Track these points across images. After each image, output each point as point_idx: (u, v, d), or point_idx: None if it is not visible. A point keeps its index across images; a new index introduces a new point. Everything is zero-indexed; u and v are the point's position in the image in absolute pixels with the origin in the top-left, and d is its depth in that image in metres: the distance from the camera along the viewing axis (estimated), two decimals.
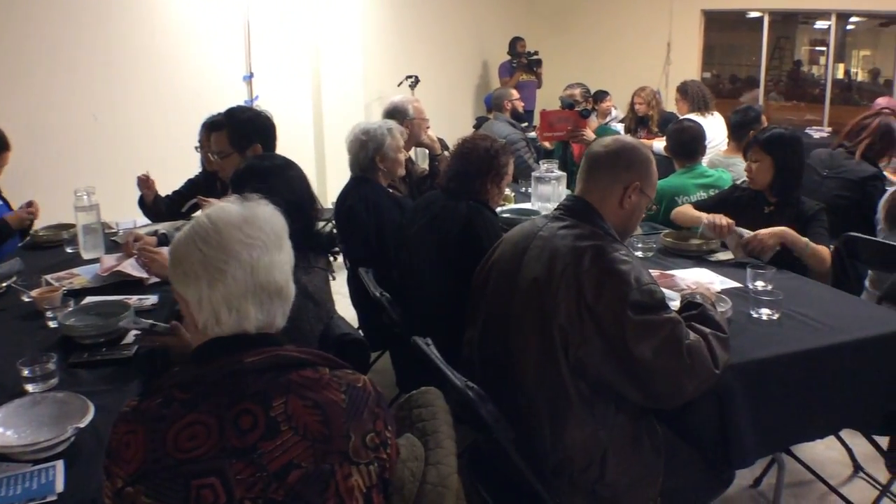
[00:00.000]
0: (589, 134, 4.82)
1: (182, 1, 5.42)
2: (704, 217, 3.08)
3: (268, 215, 1.32)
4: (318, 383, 1.22)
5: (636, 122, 6.50)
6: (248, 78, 6.01)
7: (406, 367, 2.87)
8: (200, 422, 1.14)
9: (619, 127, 6.49)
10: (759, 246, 2.92)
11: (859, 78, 10.88)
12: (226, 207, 1.31)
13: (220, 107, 3.25)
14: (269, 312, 1.28)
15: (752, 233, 2.95)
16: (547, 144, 5.84)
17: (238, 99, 5.64)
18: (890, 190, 3.70)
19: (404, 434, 1.48)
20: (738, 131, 4.43)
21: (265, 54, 6.07)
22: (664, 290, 2.27)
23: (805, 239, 2.89)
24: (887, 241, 3.51)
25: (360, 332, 3.33)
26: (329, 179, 6.35)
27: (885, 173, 4.15)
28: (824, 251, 3.01)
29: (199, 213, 1.39)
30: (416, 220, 2.85)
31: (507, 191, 4.11)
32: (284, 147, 3.17)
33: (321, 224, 3.68)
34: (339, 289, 3.54)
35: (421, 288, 2.76)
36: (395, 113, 3.92)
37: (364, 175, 3.35)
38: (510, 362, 1.96)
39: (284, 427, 1.16)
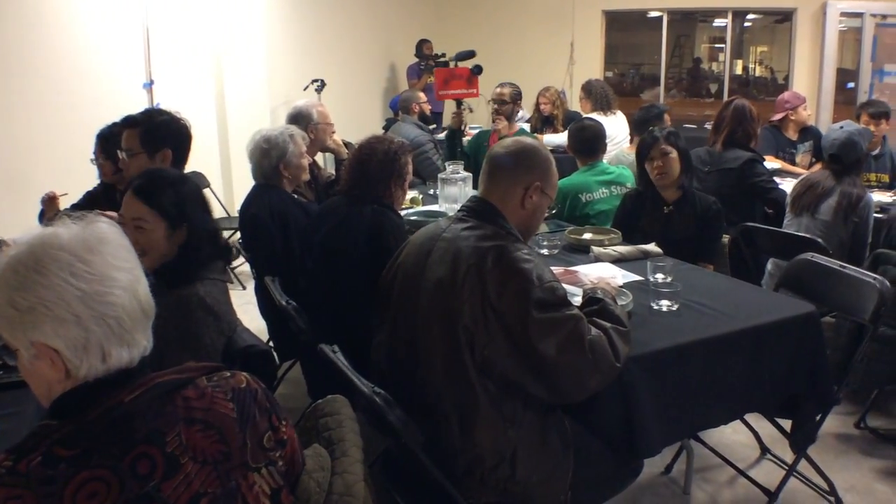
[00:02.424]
0: (502, 127, 4.87)
1: (77, 7, 5.22)
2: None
3: (115, 232, 1.20)
4: (203, 401, 1.17)
5: (542, 122, 6.61)
6: (149, 85, 5.84)
7: (317, 376, 2.83)
8: (97, 478, 1.05)
9: (526, 127, 6.57)
10: None
11: (757, 73, 11.33)
12: (60, 233, 1.14)
13: (119, 115, 3.14)
14: (148, 337, 1.20)
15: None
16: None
17: (138, 107, 5.45)
18: (801, 176, 3.89)
19: (311, 444, 1.46)
20: (641, 127, 4.55)
21: (166, 61, 5.91)
22: (568, 286, 2.32)
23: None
24: (780, 230, 3.68)
25: (270, 342, 3.31)
26: (235, 186, 6.23)
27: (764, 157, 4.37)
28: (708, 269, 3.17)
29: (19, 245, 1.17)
30: (320, 226, 2.83)
31: (415, 193, 4.12)
32: (190, 155, 3.11)
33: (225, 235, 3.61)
34: (251, 299, 3.49)
35: (328, 295, 2.73)
36: (298, 118, 3.87)
37: (268, 182, 3.30)
38: (418, 364, 1.96)
39: (184, 459, 1.11)
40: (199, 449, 1.13)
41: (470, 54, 4.56)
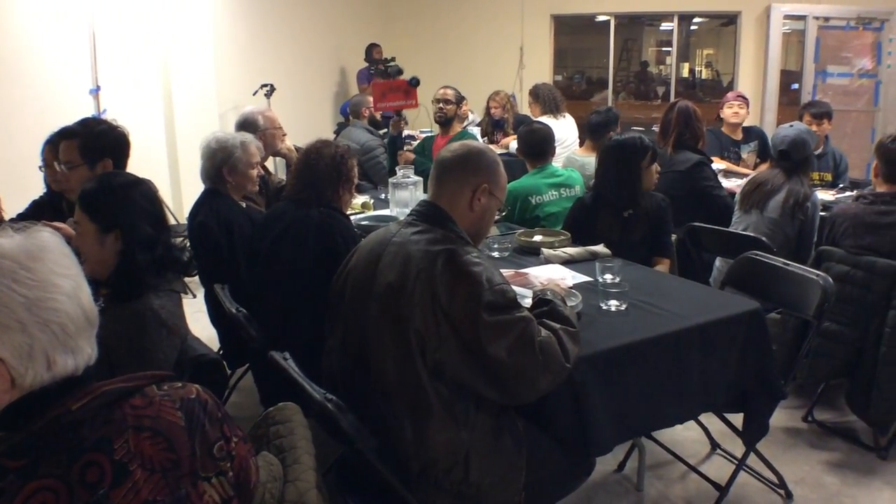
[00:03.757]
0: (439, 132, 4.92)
1: (21, 12, 5.11)
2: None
3: (56, 241, 1.19)
4: (152, 409, 1.16)
5: (492, 126, 6.65)
6: (95, 91, 5.74)
7: (269, 384, 2.81)
8: (45, 487, 1.03)
9: (476, 131, 6.60)
10: None
11: (703, 76, 11.53)
12: (3, 243, 1.13)
13: (65, 122, 3.07)
14: (93, 345, 1.18)
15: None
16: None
17: (84, 113, 5.35)
18: (748, 176, 3.97)
19: (262, 453, 1.45)
20: (599, 130, 4.61)
21: (113, 66, 5.81)
22: (518, 288, 2.34)
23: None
24: (725, 229, 3.75)
25: (221, 350, 3.27)
26: (184, 193, 6.15)
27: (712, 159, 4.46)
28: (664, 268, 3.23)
29: None
30: (266, 233, 2.80)
31: (366, 197, 4.11)
32: (135, 162, 3.05)
33: (178, 241, 3.56)
34: (202, 307, 3.44)
35: (278, 301, 2.71)
36: (245, 125, 3.84)
37: (215, 188, 3.26)
38: (370, 369, 1.96)
39: (133, 467, 1.09)
40: (147, 457, 1.11)
41: (414, 82, 4.67)
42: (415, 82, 4.61)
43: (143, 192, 2.23)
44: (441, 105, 4.91)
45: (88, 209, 2.12)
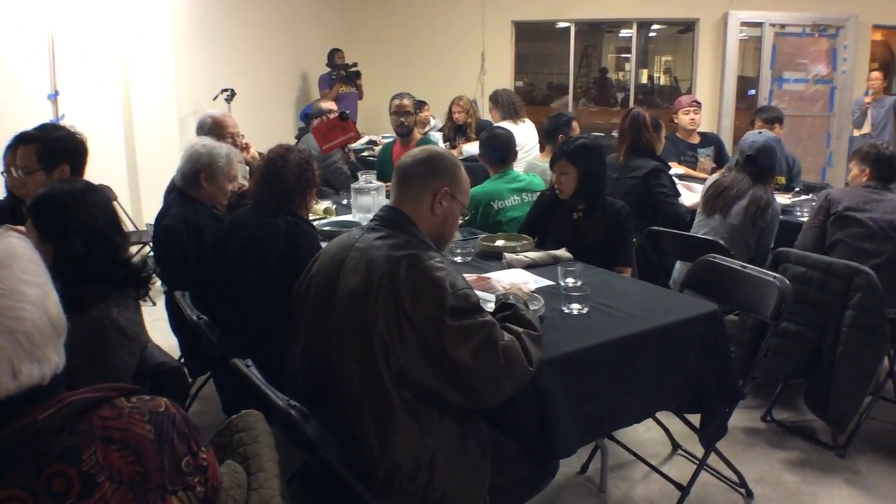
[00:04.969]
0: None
1: None
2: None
3: (25, 247, 1.17)
4: (121, 420, 1.14)
5: (454, 131, 6.66)
6: (54, 96, 5.65)
7: (231, 392, 2.78)
8: (12, 498, 1.01)
9: (438, 136, 6.61)
10: None
11: (661, 82, 11.68)
12: None
13: (22, 127, 3.03)
14: (60, 354, 1.16)
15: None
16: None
17: (42, 119, 5.26)
18: (710, 179, 4.04)
19: (226, 461, 1.44)
20: (550, 135, 4.64)
21: (71, 71, 5.73)
22: (481, 292, 2.35)
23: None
24: (684, 233, 3.81)
25: (182, 358, 3.23)
26: (144, 199, 6.07)
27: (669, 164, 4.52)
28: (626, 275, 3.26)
29: None
30: (230, 240, 2.78)
31: (328, 203, 4.10)
32: (94, 168, 3.02)
33: (135, 249, 3.50)
34: (162, 314, 3.40)
35: (241, 308, 2.69)
36: (202, 128, 3.85)
37: (186, 191, 3.21)
38: (333, 375, 1.95)
39: (101, 478, 1.07)
40: (115, 469, 1.09)
41: (343, 116, 4.75)
42: (344, 116, 4.72)
43: (94, 202, 2.20)
44: (402, 119, 4.90)
45: (32, 217, 2.12)
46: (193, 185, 3.19)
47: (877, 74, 7.71)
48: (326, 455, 1.83)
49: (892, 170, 3.53)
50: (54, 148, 2.89)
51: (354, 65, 8.53)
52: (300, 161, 2.78)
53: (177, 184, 3.27)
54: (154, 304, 4.41)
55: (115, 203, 3.78)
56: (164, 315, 3.33)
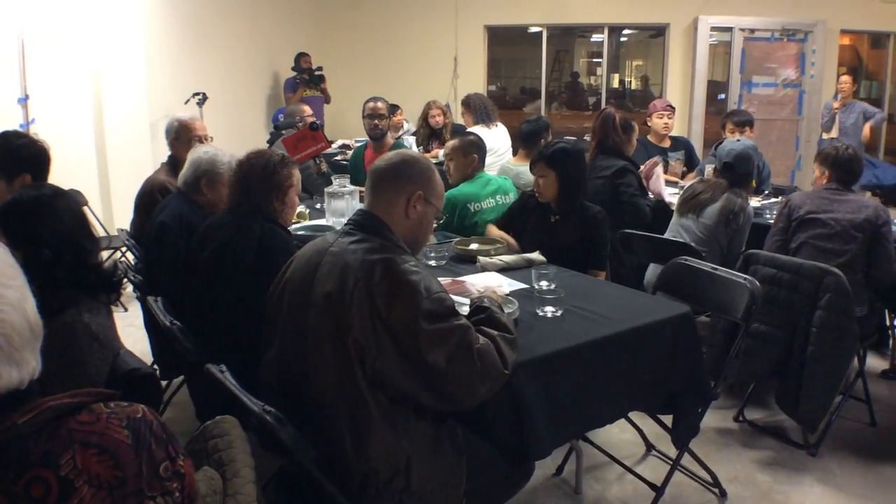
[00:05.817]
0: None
1: None
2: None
3: (1, 251, 1.18)
4: (98, 425, 1.13)
5: (429, 135, 6.66)
6: (24, 100, 5.60)
7: (205, 398, 2.76)
8: None
9: (412, 140, 6.61)
10: None
11: (632, 86, 11.77)
12: None
13: None
14: (38, 358, 1.16)
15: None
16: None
17: (12, 123, 5.23)
18: (686, 184, 4.10)
19: (202, 467, 1.43)
20: (530, 139, 4.66)
21: (42, 75, 5.67)
22: (455, 296, 2.35)
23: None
24: (656, 236, 3.85)
25: (156, 363, 3.21)
26: (115, 203, 6.03)
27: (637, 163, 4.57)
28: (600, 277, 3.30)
29: None
30: (205, 244, 2.76)
31: (302, 207, 4.09)
32: (65, 172, 3.00)
33: (106, 254, 3.46)
34: (134, 321, 3.37)
35: (216, 313, 2.67)
36: (168, 135, 3.83)
37: (187, 193, 3.20)
38: (308, 380, 1.94)
39: (79, 483, 1.07)
40: (94, 473, 1.09)
41: (314, 126, 4.75)
42: (315, 126, 4.72)
43: (63, 207, 2.17)
44: (375, 122, 4.90)
45: (0, 224, 2.09)
46: (195, 190, 3.19)
47: (846, 78, 7.83)
48: (302, 460, 1.82)
49: (852, 173, 3.57)
50: (14, 157, 2.86)
51: (319, 69, 8.50)
52: (266, 165, 2.75)
53: (178, 186, 3.28)
54: (126, 309, 4.37)
55: (85, 208, 3.77)
56: (136, 321, 3.31)
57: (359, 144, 5.90)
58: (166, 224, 3.07)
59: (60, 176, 2.96)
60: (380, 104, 4.93)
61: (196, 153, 3.24)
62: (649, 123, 5.56)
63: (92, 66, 6.02)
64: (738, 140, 4.08)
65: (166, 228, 3.06)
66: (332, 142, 6.08)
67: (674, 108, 5.62)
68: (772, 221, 3.89)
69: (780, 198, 4.46)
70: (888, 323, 4.10)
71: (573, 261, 3.17)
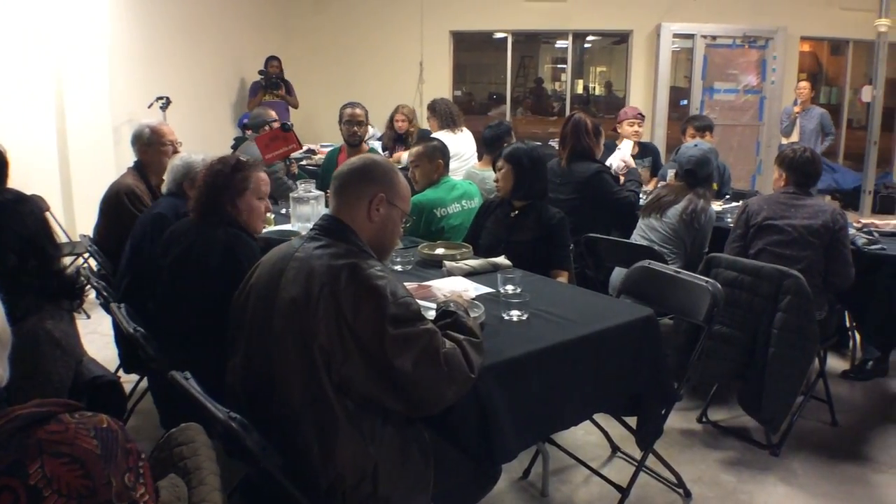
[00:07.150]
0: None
1: None
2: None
3: None
4: (67, 435, 1.13)
5: (393, 140, 6.66)
6: None
7: (169, 405, 2.73)
8: None
9: (377, 145, 6.60)
10: None
11: (596, 92, 11.88)
12: None
13: None
14: (5, 366, 1.16)
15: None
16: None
17: None
18: (650, 188, 4.16)
19: (167, 475, 1.42)
20: (492, 144, 4.68)
21: (2, 78, 5.58)
22: (421, 300, 2.36)
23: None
24: (620, 240, 3.90)
25: (122, 370, 3.17)
26: (77, 208, 5.95)
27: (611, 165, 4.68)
28: (563, 279, 3.33)
29: None
30: (170, 250, 2.74)
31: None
32: (26, 178, 2.96)
33: (68, 260, 3.41)
34: (96, 328, 3.33)
35: (179, 319, 2.65)
36: (137, 141, 3.80)
37: (176, 194, 3.24)
38: (274, 386, 1.93)
39: (48, 493, 1.06)
40: (63, 482, 1.08)
41: (286, 127, 4.76)
42: (286, 127, 4.73)
43: (25, 212, 2.14)
44: (355, 129, 4.97)
45: None
46: (180, 193, 3.24)
47: (804, 84, 7.98)
48: (268, 467, 1.82)
49: (808, 175, 3.60)
50: None
51: (280, 76, 8.45)
52: (223, 170, 2.74)
53: (169, 188, 3.34)
54: (88, 316, 4.31)
55: (47, 213, 3.72)
56: (99, 328, 3.27)
57: (331, 148, 5.88)
58: (163, 215, 3.10)
59: (21, 181, 2.91)
60: (358, 110, 4.96)
61: (172, 163, 3.34)
62: (619, 130, 5.62)
63: (54, 70, 5.93)
64: (696, 145, 4.15)
65: (163, 219, 3.08)
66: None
67: (643, 117, 5.71)
68: (731, 226, 3.95)
69: (740, 202, 4.53)
70: (848, 324, 4.19)
71: (530, 257, 3.24)
